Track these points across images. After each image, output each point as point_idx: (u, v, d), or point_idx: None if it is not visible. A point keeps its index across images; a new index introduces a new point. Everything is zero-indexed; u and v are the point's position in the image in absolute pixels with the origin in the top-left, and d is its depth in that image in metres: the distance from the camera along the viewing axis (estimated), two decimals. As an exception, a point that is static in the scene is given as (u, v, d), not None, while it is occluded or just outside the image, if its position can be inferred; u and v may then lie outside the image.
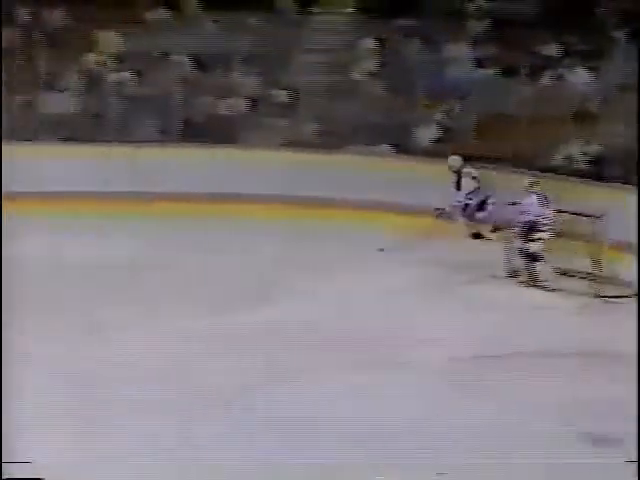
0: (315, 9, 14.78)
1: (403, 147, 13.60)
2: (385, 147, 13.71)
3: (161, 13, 14.63)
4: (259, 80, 14.25)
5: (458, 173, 12.06)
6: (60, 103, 13.93)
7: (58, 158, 13.30)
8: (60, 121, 13.84)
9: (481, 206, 11.89)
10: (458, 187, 12.00)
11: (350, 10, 14.79)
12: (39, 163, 13.09)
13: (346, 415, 7.25)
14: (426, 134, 13.59)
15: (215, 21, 14.41)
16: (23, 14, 14.35)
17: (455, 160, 12.13)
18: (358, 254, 11.08)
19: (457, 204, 11.90)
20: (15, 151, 13.11)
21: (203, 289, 9.97)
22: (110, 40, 14.27)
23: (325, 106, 13.93)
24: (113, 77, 14.19)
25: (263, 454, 6.64)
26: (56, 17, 14.37)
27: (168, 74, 14.18)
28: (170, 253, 11.01)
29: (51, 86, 14.11)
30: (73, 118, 13.90)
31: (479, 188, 11.96)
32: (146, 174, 13.11)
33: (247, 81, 14.23)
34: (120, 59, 14.29)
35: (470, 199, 11.92)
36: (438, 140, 13.54)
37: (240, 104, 14.05)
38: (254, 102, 14.09)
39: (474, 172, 12.01)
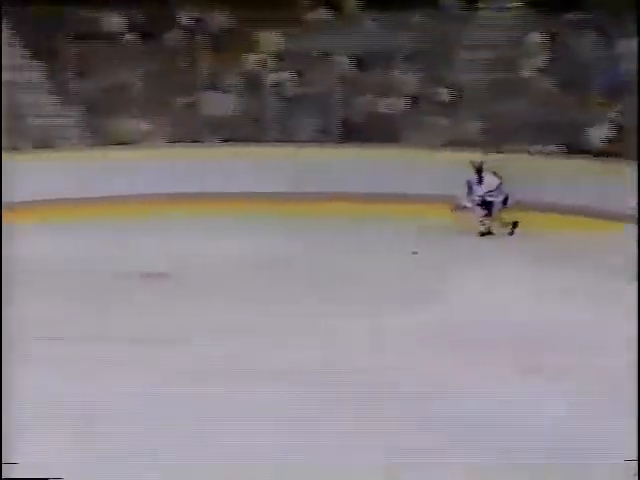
0: (481, 4, 14.36)
1: (573, 146, 13.14)
2: (553, 147, 13.23)
3: (321, 13, 14.57)
4: (420, 78, 14.04)
5: (479, 169, 12.03)
6: (222, 104, 14.03)
7: (220, 159, 13.42)
8: (221, 122, 13.94)
9: (504, 203, 12.06)
10: (480, 182, 12.04)
11: (517, 4, 14.29)
12: (203, 164, 13.27)
13: (526, 421, 6.84)
14: (598, 133, 13.15)
15: (374, 19, 14.27)
16: (187, 17, 14.49)
17: (477, 156, 12.06)
18: (522, 254, 10.83)
19: (477, 199, 11.97)
20: (180, 153, 13.46)
21: (371, 289, 9.78)
22: (271, 40, 14.33)
23: (489, 104, 13.62)
24: (273, 77, 14.22)
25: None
26: (219, 19, 14.47)
27: (328, 73, 14.14)
28: (332, 253, 10.95)
29: (213, 87, 14.21)
30: (234, 119, 13.98)
31: (501, 184, 12.00)
32: (307, 174, 13.11)
33: (408, 79, 14.05)
34: (280, 59, 14.29)
35: (491, 196, 12.00)
36: (611, 140, 13.02)
37: (400, 103, 13.88)
38: (415, 100, 13.90)
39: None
